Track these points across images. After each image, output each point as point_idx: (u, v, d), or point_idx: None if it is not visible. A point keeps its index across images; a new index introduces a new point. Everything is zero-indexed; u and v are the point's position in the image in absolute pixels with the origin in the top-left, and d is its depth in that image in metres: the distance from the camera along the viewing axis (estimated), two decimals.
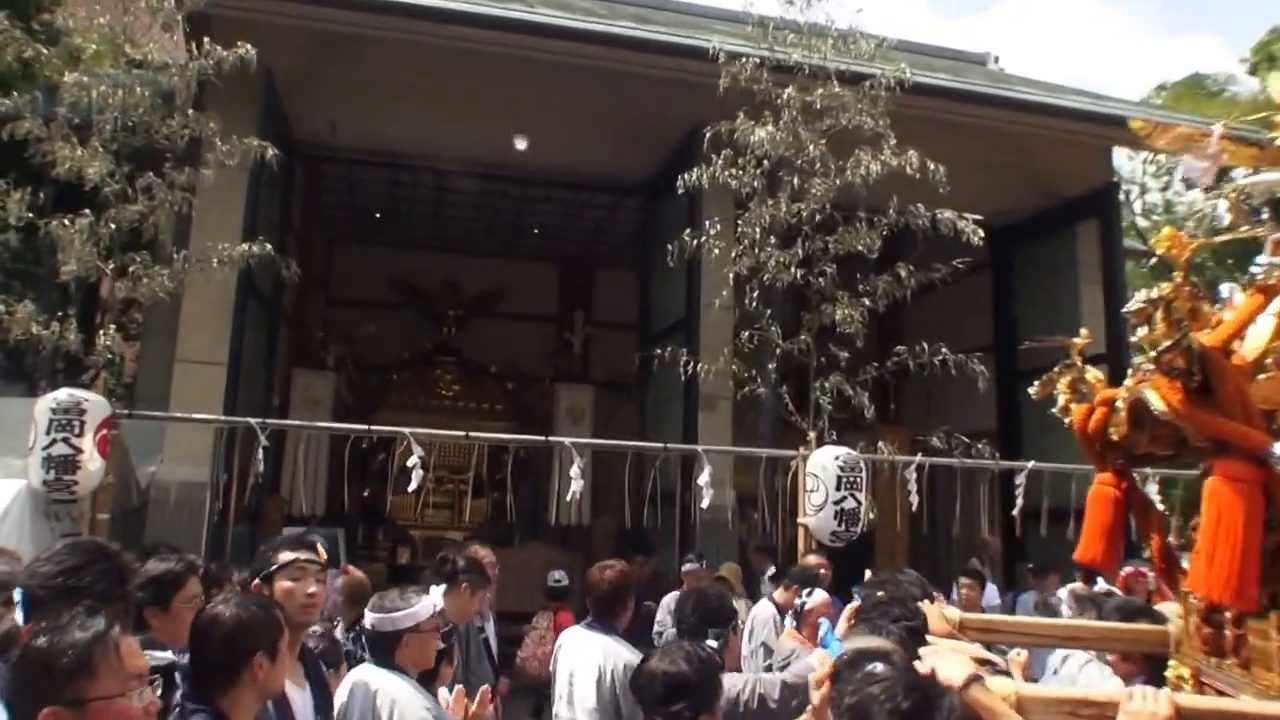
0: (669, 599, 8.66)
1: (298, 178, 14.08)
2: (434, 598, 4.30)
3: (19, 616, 3.35)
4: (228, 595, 3.23)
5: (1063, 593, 8.04)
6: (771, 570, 9.39)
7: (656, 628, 8.70)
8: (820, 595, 6.12)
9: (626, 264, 18.63)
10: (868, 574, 5.50)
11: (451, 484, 16.02)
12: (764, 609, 7.36)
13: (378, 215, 18.29)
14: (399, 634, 4.02)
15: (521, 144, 12.61)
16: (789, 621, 6.33)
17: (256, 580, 3.79)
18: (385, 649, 4.03)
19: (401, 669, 4.01)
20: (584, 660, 4.89)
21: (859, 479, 8.00)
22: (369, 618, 4.11)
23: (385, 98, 11.86)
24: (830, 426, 8.50)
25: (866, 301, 8.48)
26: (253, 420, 7.53)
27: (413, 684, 3.99)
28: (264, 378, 12.56)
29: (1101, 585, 7.92)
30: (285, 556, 3.80)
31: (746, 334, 8.68)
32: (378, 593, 4.30)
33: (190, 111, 7.68)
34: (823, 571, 7.30)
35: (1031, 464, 9.22)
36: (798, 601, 6.15)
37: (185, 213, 7.94)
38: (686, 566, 9.05)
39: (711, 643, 4.12)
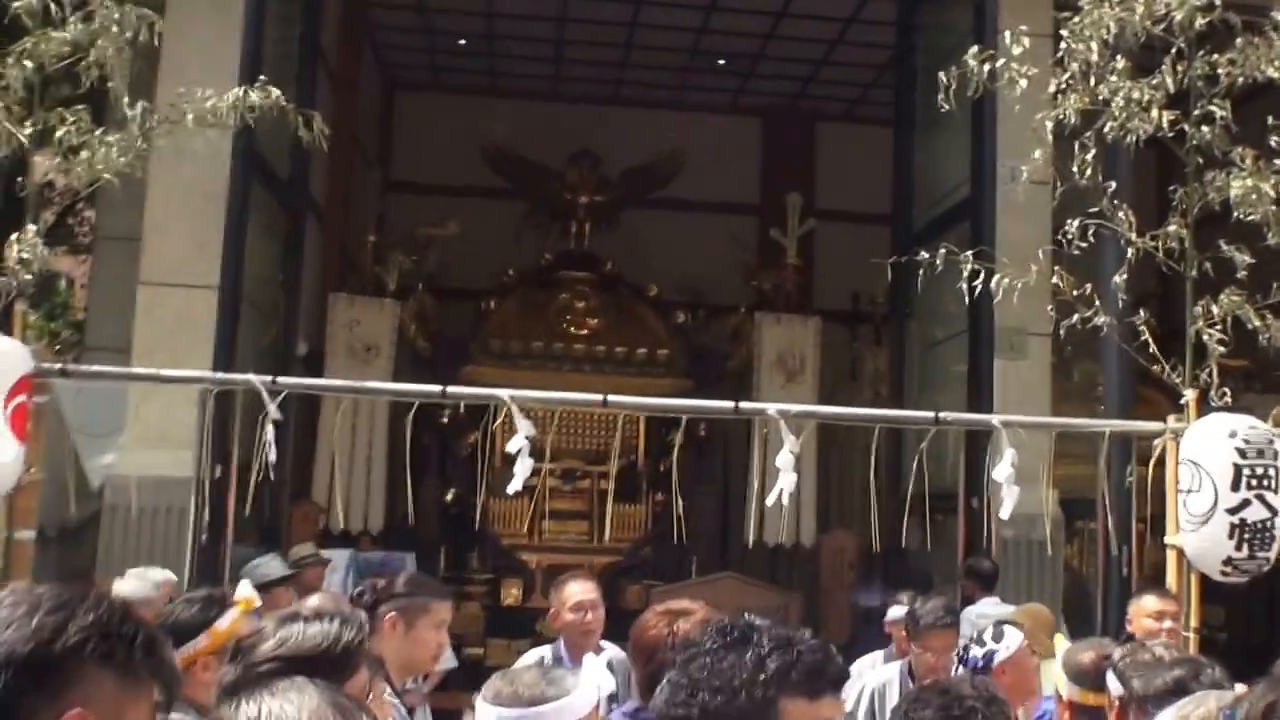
0: (866, 661, 8.74)
1: None
2: (594, 676, 4.22)
3: None
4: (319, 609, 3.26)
5: None
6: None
7: None
8: (1015, 636, 5.98)
9: (870, 114, 18.44)
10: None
11: (588, 480, 16.13)
12: (881, 674, 7.61)
13: (462, 42, 18.38)
14: None
15: None
16: None
17: None
18: None
19: None
20: None
21: (1272, 471, 7.62)
22: (494, 713, 4.01)
23: None
24: (1219, 381, 8.13)
25: None
26: (256, 378, 7.40)
27: None
28: (282, 309, 12.76)
29: None
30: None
31: (1075, 224, 8.35)
32: (499, 673, 4.18)
33: None
34: (1168, 623, 7.16)
35: None
36: (977, 649, 5.98)
37: (145, 43, 7.94)
38: (892, 613, 8.99)
39: None
